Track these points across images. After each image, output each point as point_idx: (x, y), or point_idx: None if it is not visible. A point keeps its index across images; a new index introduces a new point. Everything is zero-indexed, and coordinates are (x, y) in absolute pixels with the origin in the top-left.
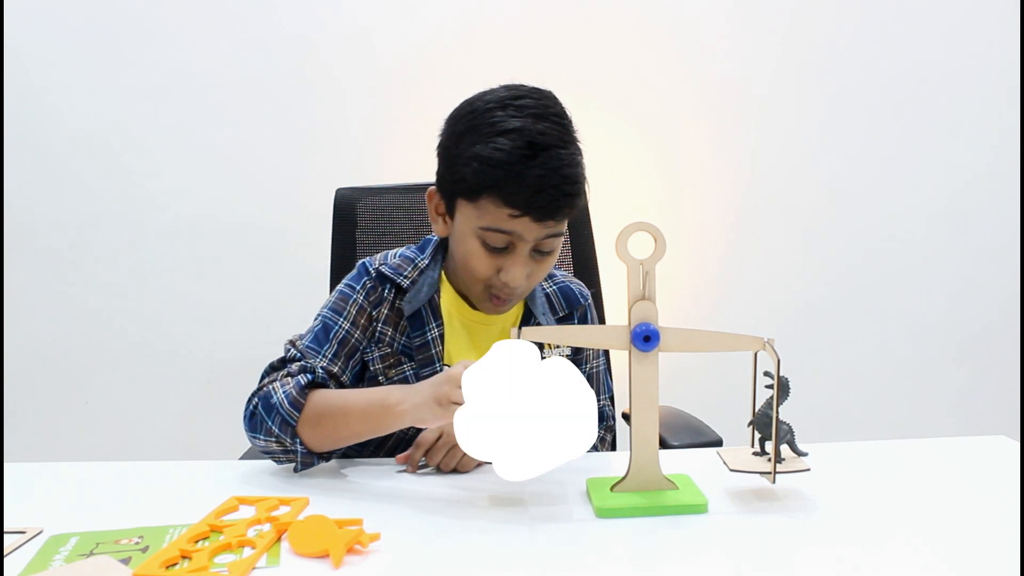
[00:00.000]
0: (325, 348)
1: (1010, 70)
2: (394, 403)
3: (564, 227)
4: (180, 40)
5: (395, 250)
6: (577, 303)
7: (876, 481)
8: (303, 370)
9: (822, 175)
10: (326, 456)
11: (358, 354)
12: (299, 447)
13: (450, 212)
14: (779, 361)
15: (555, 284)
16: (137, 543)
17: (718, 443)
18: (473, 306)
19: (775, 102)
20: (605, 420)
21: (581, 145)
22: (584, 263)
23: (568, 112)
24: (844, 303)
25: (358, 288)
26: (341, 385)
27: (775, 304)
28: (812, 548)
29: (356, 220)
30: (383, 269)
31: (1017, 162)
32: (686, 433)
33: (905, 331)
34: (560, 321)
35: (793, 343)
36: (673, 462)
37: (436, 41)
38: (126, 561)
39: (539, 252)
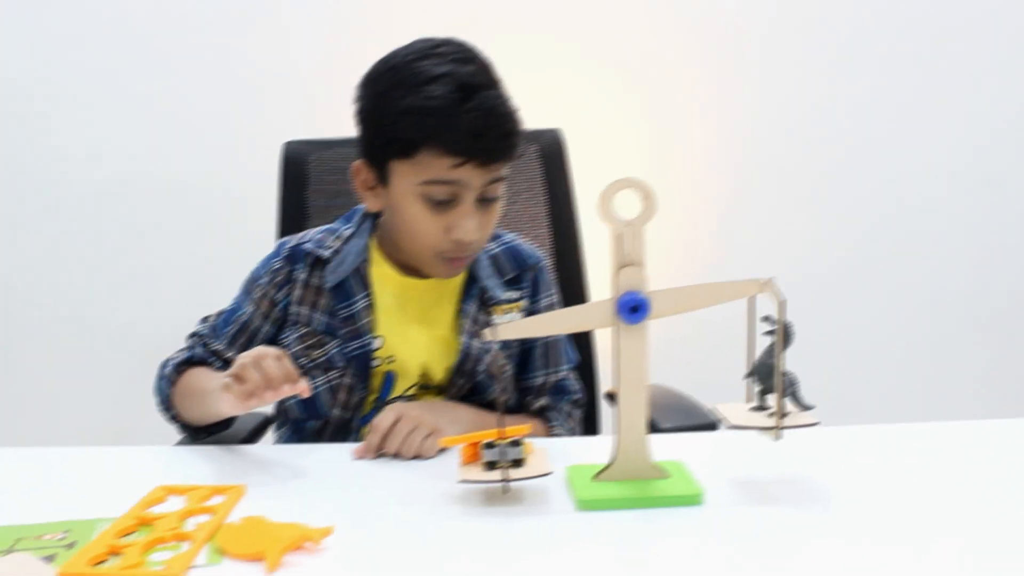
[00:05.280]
0: (226, 330)
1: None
2: (210, 390)
3: (506, 170)
4: None
5: (320, 227)
6: (526, 263)
7: (891, 468)
8: (190, 348)
9: (831, 128)
10: (204, 431)
11: (257, 338)
12: (176, 419)
13: (383, 180)
14: (784, 302)
15: (501, 245)
16: (62, 538)
17: (714, 426)
18: (408, 273)
19: (779, 43)
20: (568, 393)
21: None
22: (564, 230)
23: (492, 63)
24: (856, 273)
25: (265, 272)
26: None
27: (779, 274)
28: (819, 542)
29: (307, 177)
30: (305, 246)
31: None
32: (679, 414)
33: (924, 303)
34: (509, 283)
35: (799, 316)
36: (664, 447)
37: None
38: (50, 558)
39: (485, 200)
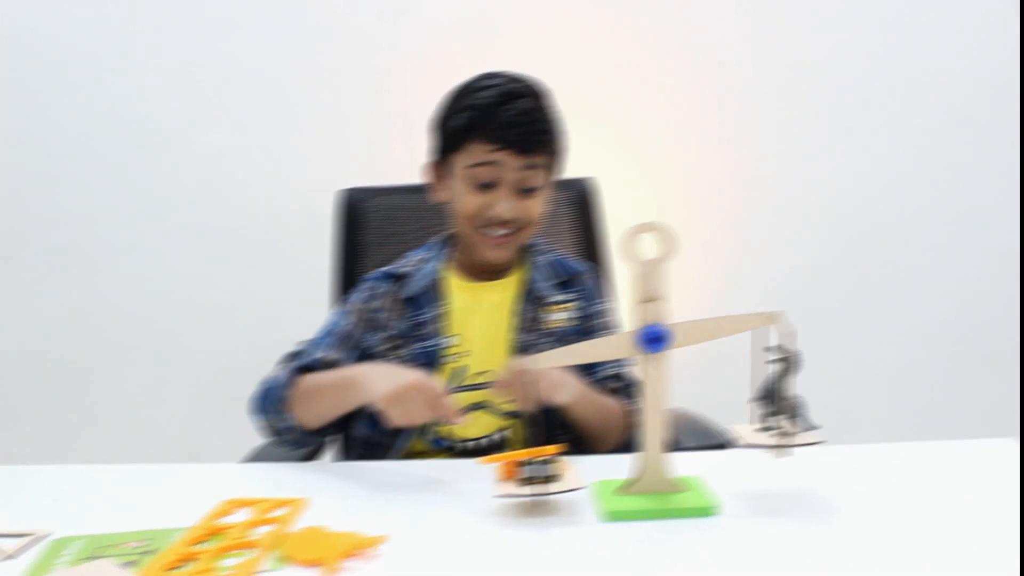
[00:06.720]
0: (327, 340)
1: (1014, 65)
2: (358, 377)
3: (544, 165)
4: (181, 40)
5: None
6: (574, 269)
7: (889, 483)
8: (296, 358)
9: (824, 173)
10: (318, 434)
11: (354, 341)
12: (291, 422)
13: (447, 172)
14: (793, 333)
15: (555, 256)
16: (142, 546)
17: (728, 445)
18: (477, 279)
19: (777, 98)
20: (625, 380)
21: (564, 121)
22: (598, 266)
23: (546, 89)
24: (847, 304)
25: (359, 292)
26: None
27: (777, 306)
28: (823, 550)
29: (362, 222)
30: (389, 269)
31: (1018, 161)
32: (696, 434)
33: (910, 331)
34: (560, 286)
35: (804, 344)
36: (683, 464)
37: (438, 40)
38: (132, 564)
39: (523, 190)
